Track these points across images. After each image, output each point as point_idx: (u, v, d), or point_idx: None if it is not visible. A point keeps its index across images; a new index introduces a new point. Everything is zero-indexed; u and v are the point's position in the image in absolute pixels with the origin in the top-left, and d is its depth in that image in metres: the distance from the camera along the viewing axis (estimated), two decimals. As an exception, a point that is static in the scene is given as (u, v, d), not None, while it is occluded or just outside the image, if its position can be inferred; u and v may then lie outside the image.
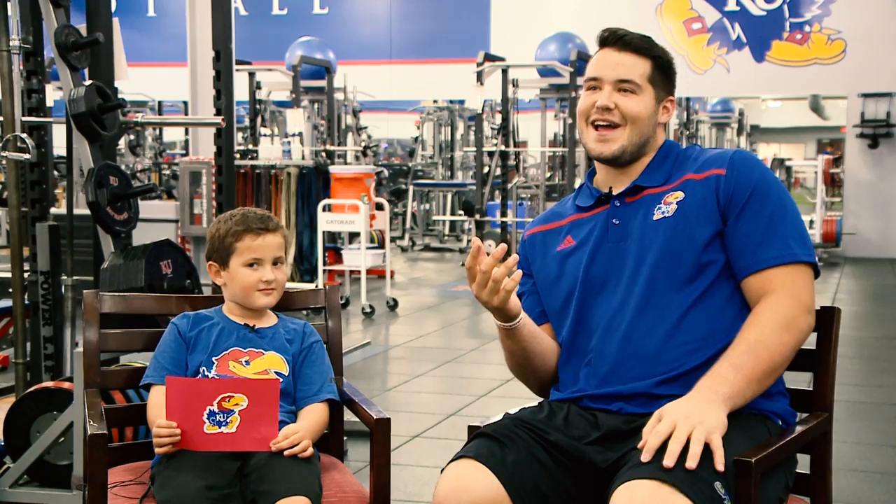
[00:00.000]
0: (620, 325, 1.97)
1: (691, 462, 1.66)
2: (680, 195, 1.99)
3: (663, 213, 1.99)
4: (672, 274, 1.95)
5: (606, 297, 2.01)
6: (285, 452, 2.07)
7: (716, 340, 1.91)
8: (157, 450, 2.05)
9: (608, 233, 2.04)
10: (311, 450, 2.11)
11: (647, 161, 2.07)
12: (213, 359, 2.22)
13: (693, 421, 1.71)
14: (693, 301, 1.94)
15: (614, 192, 2.07)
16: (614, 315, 1.99)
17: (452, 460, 1.91)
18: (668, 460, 1.66)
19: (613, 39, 2.04)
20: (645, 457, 1.69)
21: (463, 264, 11.59)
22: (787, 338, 1.87)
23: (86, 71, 3.76)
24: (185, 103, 10.78)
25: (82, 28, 3.76)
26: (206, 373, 2.21)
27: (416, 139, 17.42)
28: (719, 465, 1.67)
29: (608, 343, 1.98)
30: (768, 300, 1.90)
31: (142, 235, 3.96)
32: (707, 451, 1.68)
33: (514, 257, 1.91)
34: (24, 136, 3.77)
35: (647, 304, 1.96)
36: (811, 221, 13.18)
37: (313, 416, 2.22)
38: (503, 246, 1.86)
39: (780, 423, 1.96)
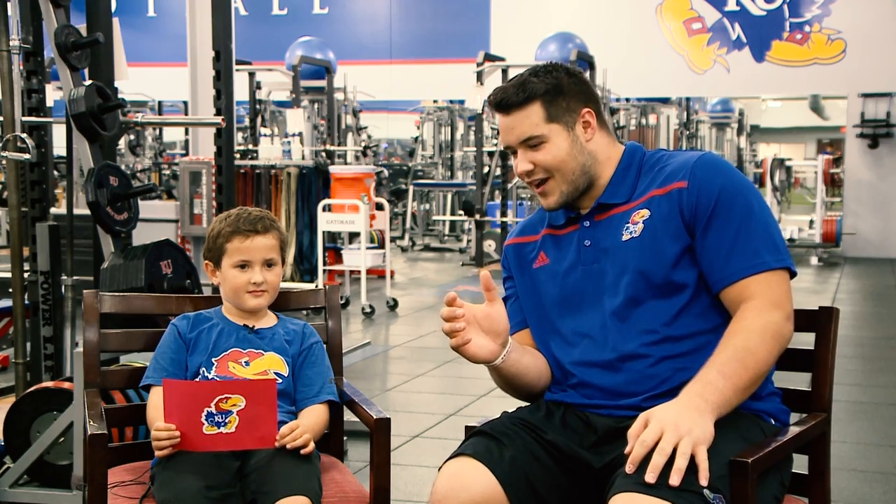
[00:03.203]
0: (603, 348, 1.97)
1: (674, 479, 1.63)
2: (646, 213, 1.96)
3: (631, 233, 1.97)
4: (647, 294, 1.93)
5: (585, 319, 2.01)
6: (288, 446, 2.07)
7: (700, 354, 1.89)
8: (156, 453, 2.05)
9: (581, 255, 2.03)
10: (311, 445, 2.12)
11: (609, 176, 2.04)
12: (213, 360, 2.23)
13: (681, 430, 1.68)
14: (672, 318, 1.93)
15: (582, 212, 2.05)
16: (595, 337, 1.98)
17: (450, 458, 1.91)
18: (650, 475, 1.64)
19: (497, 107, 2.02)
20: (629, 468, 1.68)
21: (463, 264, 11.59)
22: (772, 345, 1.85)
23: (86, 71, 3.76)
24: (185, 103, 10.78)
25: (82, 28, 3.76)
26: (206, 374, 2.21)
27: (416, 139, 17.42)
28: (703, 480, 1.64)
29: (591, 365, 1.98)
30: (750, 307, 1.87)
31: (142, 235, 3.97)
32: (692, 460, 1.66)
33: (451, 304, 1.90)
34: (24, 136, 3.77)
35: (627, 326, 1.95)
36: (811, 221, 13.19)
37: (313, 417, 2.22)
38: (450, 295, 1.89)
39: (774, 422, 1.95)
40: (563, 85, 2.00)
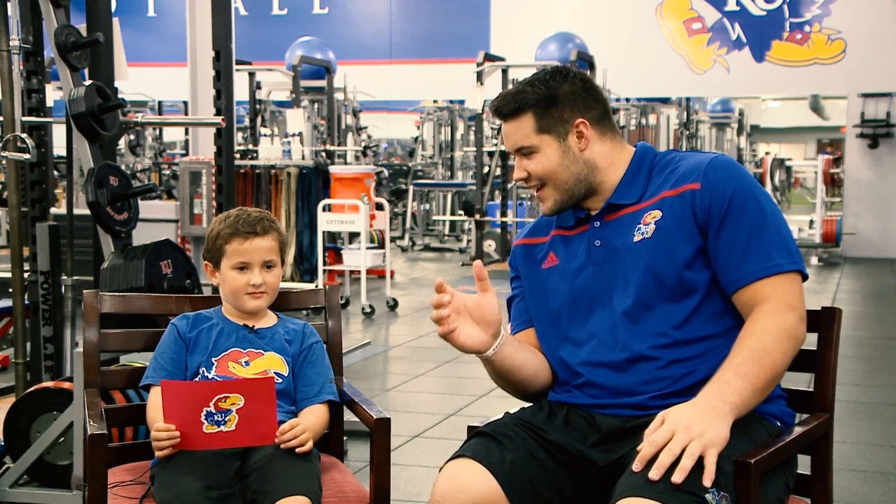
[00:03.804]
0: (612, 348, 1.96)
1: (677, 476, 1.63)
2: (658, 214, 1.96)
3: (643, 234, 1.96)
4: (658, 295, 1.93)
5: (594, 319, 2.00)
6: (283, 446, 2.07)
7: (709, 358, 1.89)
8: (157, 453, 2.05)
9: (591, 255, 2.03)
10: (310, 444, 2.11)
11: (617, 179, 2.03)
12: (213, 360, 2.22)
13: (692, 433, 1.68)
14: (682, 321, 1.92)
15: (592, 212, 2.05)
16: (604, 337, 1.98)
17: (450, 459, 1.91)
18: (655, 473, 1.64)
19: (495, 114, 2.06)
20: (637, 466, 1.68)
21: (463, 264, 11.59)
22: (787, 346, 1.85)
23: (86, 71, 3.75)
24: (185, 103, 10.77)
25: (82, 28, 3.76)
26: (206, 374, 2.21)
27: (416, 139, 17.42)
28: (707, 480, 1.64)
29: (600, 366, 1.97)
30: (764, 309, 1.87)
31: (142, 235, 3.96)
32: (698, 462, 1.65)
33: (439, 291, 1.92)
34: (24, 136, 3.77)
35: (637, 327, 1.94)
36: (811, 221, 13.19)
37: (313, 417, 2.22)
38: (438, 282, 1.92)
39: (779, 424, 1.95)
40: (557, 95, 2.00)
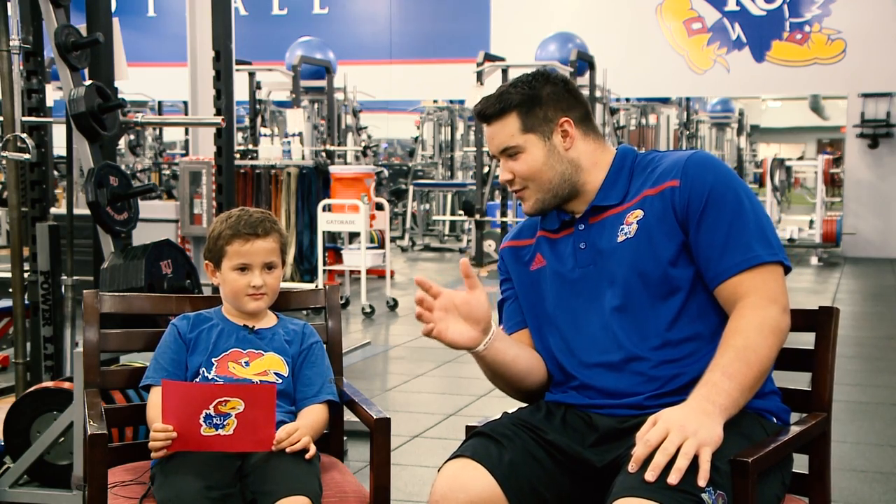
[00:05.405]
0: (603, 350, 1.97)
1: (673, 477, 1.63)
2: (640, 213, 1.97)
3: (626, 234, 1.97)
4: (645, 294, 1.94)
5: (584, 321, 2.01)
6: (287, 450, 2.07)
7: (699, 356, 1.90)
8: (152, 454, 2.05)
9: (577, 258, 2.04)
10: (313, 448, 2.12)
11: (600, 180, 2.04)
12: (213, 360, 2.22)
13: (687, 431, 1.68)
14: (670, 322, 1.93)
15: (576, 215, 2.06)
16: (596, 339, 1.98)
17: (449, 459, 1.91)
18: (651, 474, 1.65)
19: (479, 117, 2.07)
20: (632, 467, 1.69)
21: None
22: (772, 340, 1.86)
23: (86, 71, 3.76)
24: (185, 103, 10.78)
25: (82, 28, 3.76)
26: (206, 374, 2.21)
27: (416, 139, 17.42)
28: (702, 481, 1.64)
29: (593, 367, 1.98)
30: (745, 304, 1.88)
31: (142, 235, 3.97)
32: (693, 462, 1.66)
33: (421, 285, 1.94)
34: (24, 136, 3.77)
35: (626, 328, 1.95)
36: (811, 221, 13.19)
37: (312, 416, 2.22)
38: (417, 279, 1.95)
39: (775, 420, 1.96)
40: (540, 95, 2.02)
